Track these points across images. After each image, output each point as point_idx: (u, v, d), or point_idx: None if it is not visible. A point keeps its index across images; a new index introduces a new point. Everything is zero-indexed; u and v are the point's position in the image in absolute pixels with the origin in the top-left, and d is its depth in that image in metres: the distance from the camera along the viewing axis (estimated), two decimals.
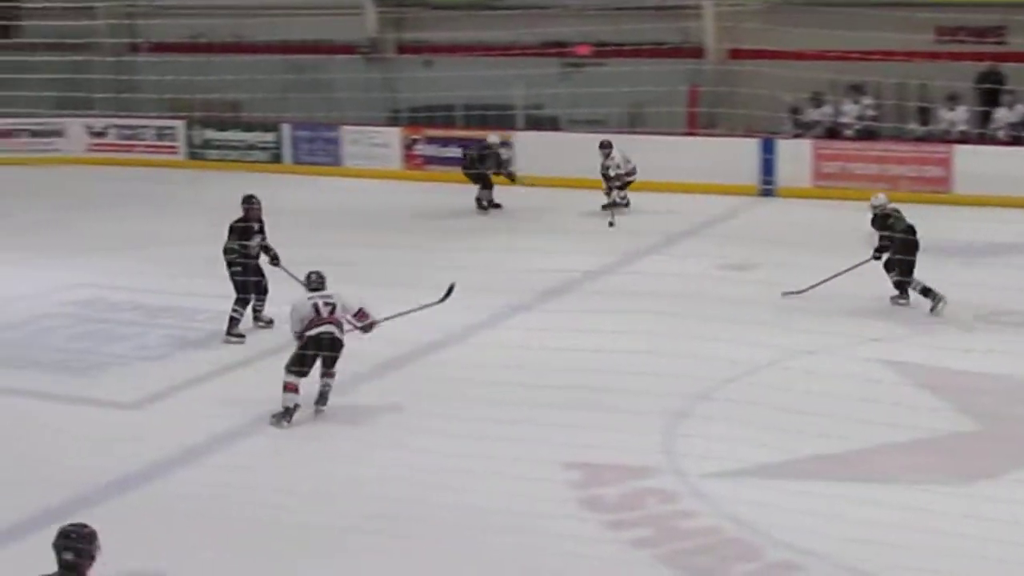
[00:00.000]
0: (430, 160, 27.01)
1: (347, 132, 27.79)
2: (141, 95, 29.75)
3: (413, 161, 27.21)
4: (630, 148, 22.96)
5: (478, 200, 23.41)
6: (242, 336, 16.22)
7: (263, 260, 16.63)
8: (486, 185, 23.51)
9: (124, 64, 31.21)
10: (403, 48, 29.86)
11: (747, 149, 24.54)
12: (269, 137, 28.48)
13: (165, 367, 15.25)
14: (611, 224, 21.66)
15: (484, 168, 23.57)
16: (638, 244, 19.92)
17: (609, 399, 13.01)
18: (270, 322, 16.52)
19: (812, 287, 16.87)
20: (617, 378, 13.26)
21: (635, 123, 26.82)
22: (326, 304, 13.58)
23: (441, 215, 23.19)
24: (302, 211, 23.07)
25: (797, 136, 25.13)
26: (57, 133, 29.86)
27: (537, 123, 27.91)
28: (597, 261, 19.15)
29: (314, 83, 29.16)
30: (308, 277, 13.88)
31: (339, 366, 13.42)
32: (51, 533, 10.73)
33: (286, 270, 16.39)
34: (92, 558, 7.49)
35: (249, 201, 16.75)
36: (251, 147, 28.63)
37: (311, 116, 28.52)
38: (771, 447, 11.90)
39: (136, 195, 24.37)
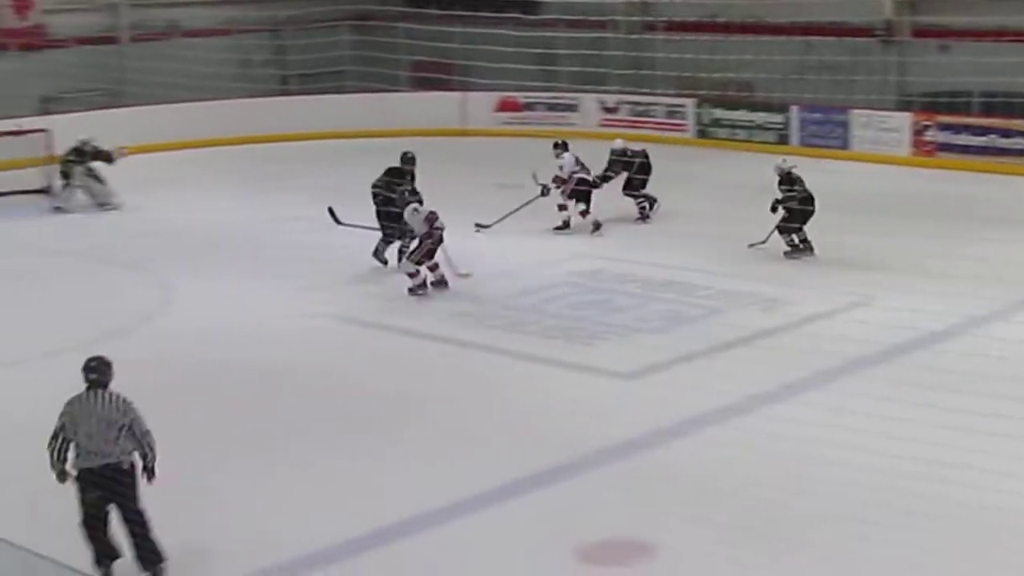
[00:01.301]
0: (942, 147, 26.25)
1: (856, 116, 27.38)
2: (654, 73, 30.25)
3: (923, 147, 26.53)
4: None
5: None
6: (385, 262, 18.61)
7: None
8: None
9: (639, 42, 31.80)
10: (918, 32, 29.11)
11: None
12: (778, 118, 28.39)
13: (663, 340, 15.49)
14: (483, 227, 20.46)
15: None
16: None
17: None
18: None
19: (769, 235, 18.82)
20: None
21: None
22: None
23: (950, 203, 22.50)
24: None
25: None
26: (572, 107, 30.76)
27: None
28: None
29: (825, 65, 28.84)
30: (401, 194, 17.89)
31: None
32: (549, 493, 11.28)
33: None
34: (109, 381, 9.82)
35: (409, 156, 19.33)
36: (759, 127, 28.64)
37: (820, 98, 28.25)
38: None
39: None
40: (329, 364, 14.82)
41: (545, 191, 20.87)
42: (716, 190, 23.41)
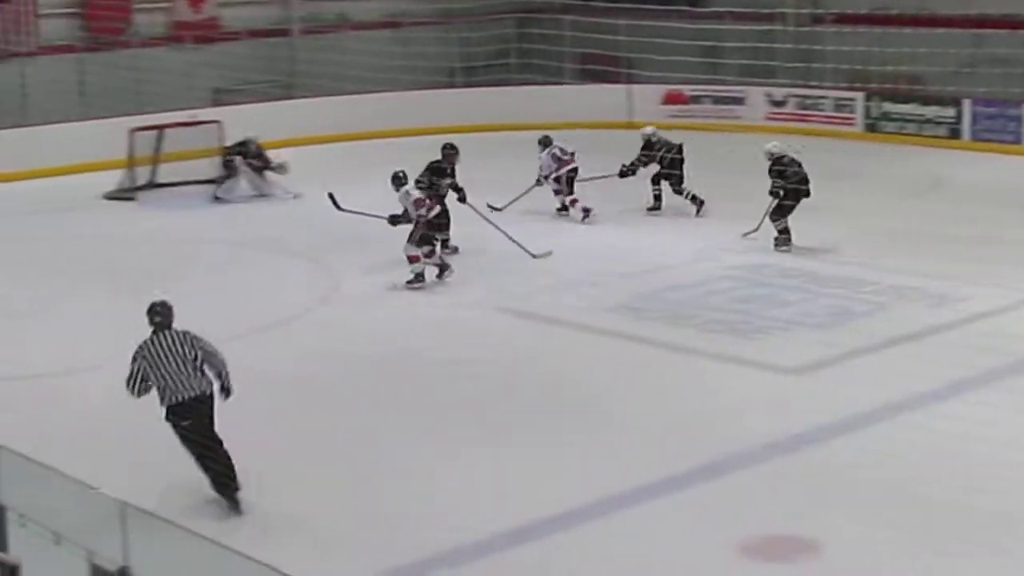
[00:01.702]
0: None
1: None
2: (822, 66, 29.92)
3: None
4: None
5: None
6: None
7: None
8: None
9: (807, 35, 31.45)
10: None
11: None
12: (948, 112, 27.88)
13: (829, 335, 15.31)
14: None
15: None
16: None
17: None
18: (456, 249, 18.67)
19: (760, 223, 18.95)
20: None
21: None
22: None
23: None
24: (976, 188, 22.55)
25: None
26: (739, 101, 30.52)
27: None
28: None
29: (997, 58, 28.26)
30: (395, 176, 17.62)
31: None
32: (712, 488, 11.25)
33: (473, 207, 19.20)
34: (172, 322, 10.87)
35: (449, 147, 19.51)
36: (929, 122, 28.15)
37: (994, 92, 27.68)
38: None
39: (810, 164, 24.56)
40: (490, 355, 14.91)
41: (539, 181, 21.29)
42: (884, 185, 23.09)
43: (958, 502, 10.66)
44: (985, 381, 13.47)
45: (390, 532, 10.53)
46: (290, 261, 19.45)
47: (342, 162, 26.40)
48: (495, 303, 16.86)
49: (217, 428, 10.73)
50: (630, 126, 29.89)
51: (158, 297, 11.11)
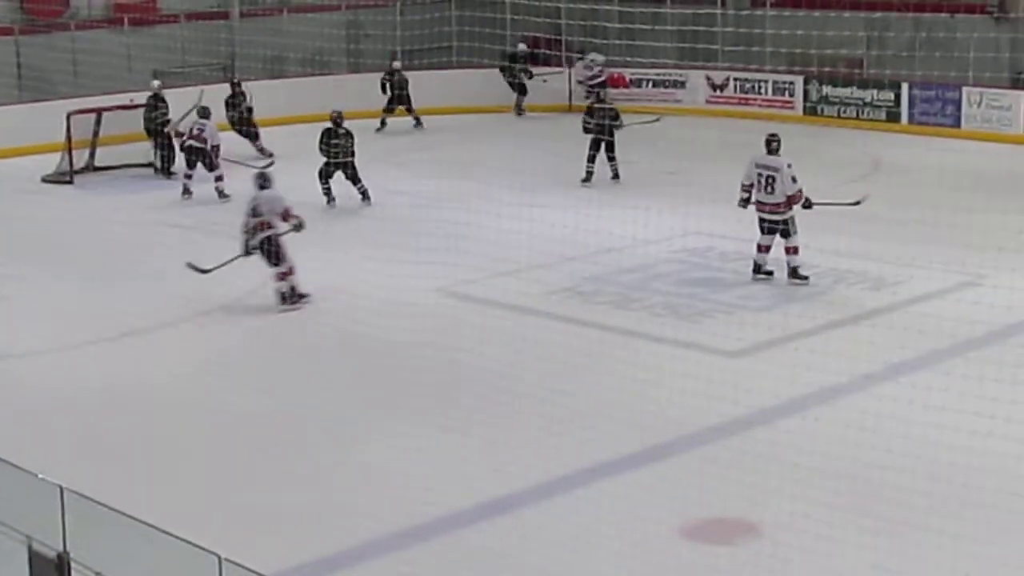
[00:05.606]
0: None
1: (968, 93, 26.99)
2: (761, 49, 30.04)
3: None
4: None
5: None
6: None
7: None
8: None
9: (746, 18, 31.55)
10: None
11: None
12: (887, 95, 28.09)
13: (769, 318, 15.41)
14: None
15: None
16: None
17: None
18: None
19: None
20: None
21: None
22: None
23: None
24: (914, 171, 22.70)
25: None
26: (679, 84, 30.61)
27: None
28: None
29: (936, 42, 28.45)
30: None
31: None
32: (654, 471, 11.29)
33: None
34: None
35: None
36: (867, 105, 28.36)
37: (932, 75, 27.88)
38: None
39: (752, 148, 24.67)
40: (434, 337, 14.81)
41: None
42: (823, 168, 23.17)
43: (897, 483, 10.73)
44: (923, 364, 13.59)
45: (323, 519, 10.57)
46: (230, 243, 19.30)
47: (283, 144, 26.25)
48: (441, 286, 16.80)
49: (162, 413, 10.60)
50: (569, 109, 29.98)
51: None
